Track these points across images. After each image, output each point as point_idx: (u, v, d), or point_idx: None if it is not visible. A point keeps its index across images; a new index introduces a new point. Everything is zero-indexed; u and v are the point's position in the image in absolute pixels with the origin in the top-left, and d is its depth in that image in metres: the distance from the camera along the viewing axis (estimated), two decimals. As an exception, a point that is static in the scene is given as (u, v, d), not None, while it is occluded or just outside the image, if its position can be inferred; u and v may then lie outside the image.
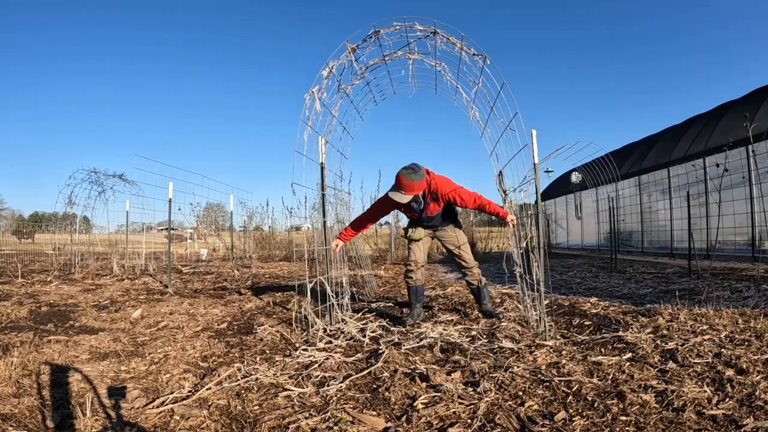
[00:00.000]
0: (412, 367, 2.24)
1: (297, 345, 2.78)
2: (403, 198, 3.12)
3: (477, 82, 3.26)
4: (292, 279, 6.56)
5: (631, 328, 2.79)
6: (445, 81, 3.45)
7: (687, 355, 2.17)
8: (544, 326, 3.02)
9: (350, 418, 1.66)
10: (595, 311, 3.50)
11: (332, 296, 3.17)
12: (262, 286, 5.71)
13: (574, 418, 1.58)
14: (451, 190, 3.28)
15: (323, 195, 3.34)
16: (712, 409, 1.58)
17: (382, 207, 3.44)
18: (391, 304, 4.24)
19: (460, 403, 1.75)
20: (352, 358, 2.44)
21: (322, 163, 3.36)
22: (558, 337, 2.75)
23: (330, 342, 2.79)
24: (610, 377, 1.97)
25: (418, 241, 3.47)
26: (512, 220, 3.30)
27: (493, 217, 3.43)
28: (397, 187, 3.12)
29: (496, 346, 2.57)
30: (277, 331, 3.09)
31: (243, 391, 1.96)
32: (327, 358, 2.42)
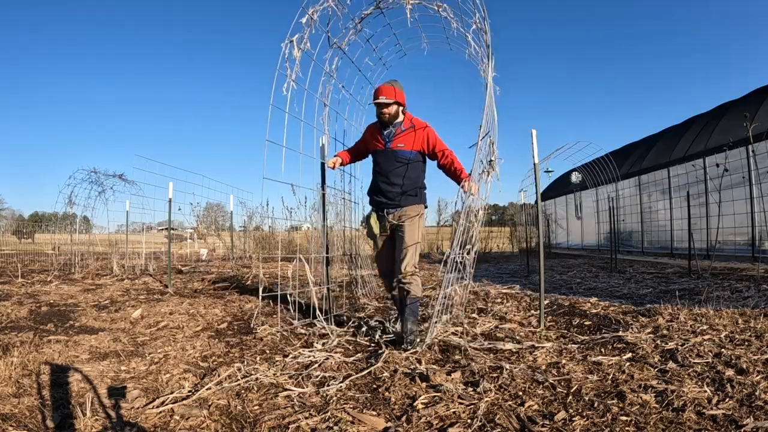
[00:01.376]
0: (412, 367, 2.24)
1: (300, 343, 2.77)
2: (385, 100, 2.76)
3: (476, 22, 2.83)
4: (293, 279, 6.56)
5: (631, 328, 2.79)
6: (452, 30, 2.91)
7: (687, 355, 2.17)
8: (544, 325, 3.02)
9: (350, 418, 1.66)
10: (595, 311, 3.50)
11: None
12: (263, 286, 5.71)
13: (574, 418, 1.58)
14: (428, 128, 2.88)
15: (323, 194, 3.34)
16: (712, 409, 1.58)
17: (366, 132, 3.09)
18: (390, 303, 4.24)
19: (460, 403, 1.75)
20: (352, 358, 2.44)
21: (323, 163, 3.35)
22: (552, 333, 2.75)
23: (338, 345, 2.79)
24: (610, 377, 1.97)
25: (378, 236, 2.90)
26: (475, 188, 2.74)
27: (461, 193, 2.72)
28: (376, 96, 2.82)
29: (496, 346, 2.57)
30: (277, 331, 3.09)
31: (243, 391, 1.96)
32: (327, 358, 2.42)
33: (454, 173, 2.87)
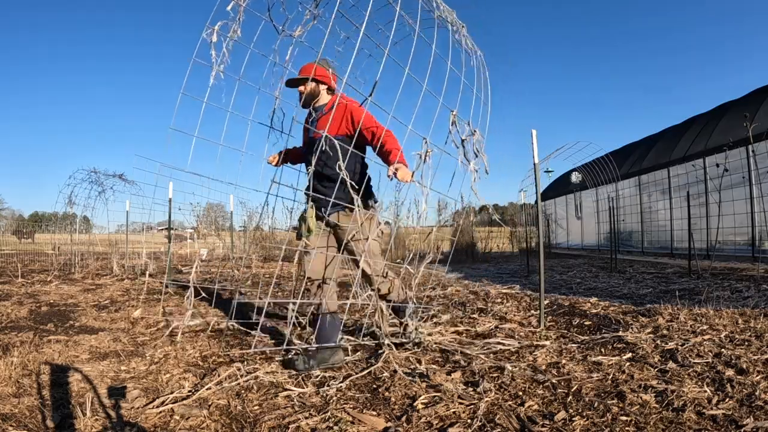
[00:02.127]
0: (412, 366, 2.24)
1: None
2: (298, 77, 2.41)
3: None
4: (292, 279, 6.56)
5: (631, 328, 2.79)
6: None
7: (687, 355, 2.17)
8: (544, 325, 3.02)
9: (350, 418, 1.66)
10: (595, 311, 3.50)
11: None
12: (262, 285, 5.71)
13: (574, 418, 1.58)
14: (351, 104, 2.37)
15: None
16: (712, 409, 1.58)
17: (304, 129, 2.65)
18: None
19: (460, 403, 1.75)
20: (352, 358, 2.44)
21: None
22: (552, 333, 2.74)
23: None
24: (610, 377, 1.97)
25: (310, 236, 2.39)
26: (405, 174, 2.11)
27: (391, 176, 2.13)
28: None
29: (496, 346, 2.57)
30: (278, 331, 3.09)
31: (243, 391, 1.96)
32: (327, 358, 2.41)
33: (385, 157, 2.26)
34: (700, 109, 10.08)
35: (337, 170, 2.22)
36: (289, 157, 2.74)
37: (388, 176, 2.13)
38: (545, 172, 16.85)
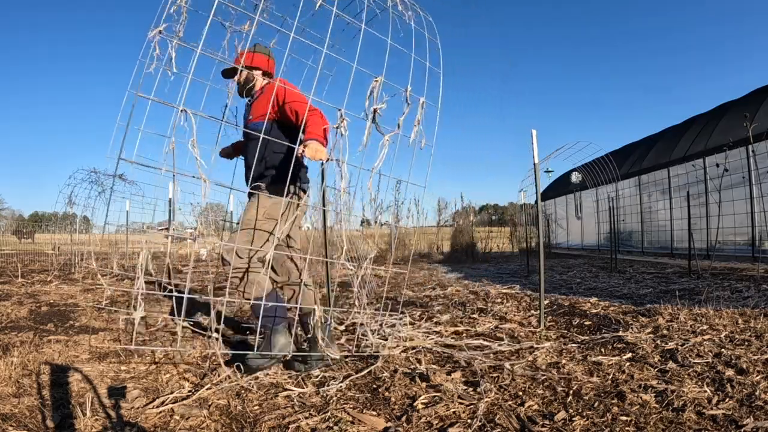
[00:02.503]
0: (412, 366, 2.24)
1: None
2: (229, 67, 2.32)
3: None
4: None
5: (631, 328, 2.79)
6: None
7: (687, 355, 2.17)
8: (544, 325, 3.02)
9: (350, 418, 1.66)
10: (595, 311, 3.50)
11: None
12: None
13: (574, 418, 1.58)
14: (278, 85, 2.20)
15: (323, 193, 3.33)
16: (712, 409, 1.58)
17: None
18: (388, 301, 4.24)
19: (460, 403, 1.75)
20: (353, 358, 2.44)
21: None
22: (552, 333, 2.74)
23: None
24: (610, 377, 1.97)
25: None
26: (312, 153, 1.93)
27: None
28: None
29: (496, 346, 2.57)
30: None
31: (243, 391, 1.96)
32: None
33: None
34: (700, 109, 10.08)
35: (264, 158, 2.12)
36: (235, 149, 2.63)
37: (298, 155, 1.97)
38: (545, 172, 16.85)
